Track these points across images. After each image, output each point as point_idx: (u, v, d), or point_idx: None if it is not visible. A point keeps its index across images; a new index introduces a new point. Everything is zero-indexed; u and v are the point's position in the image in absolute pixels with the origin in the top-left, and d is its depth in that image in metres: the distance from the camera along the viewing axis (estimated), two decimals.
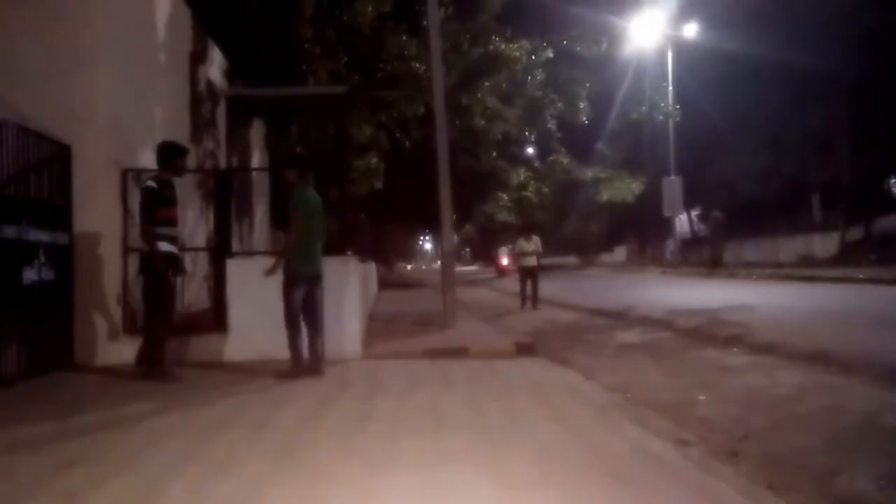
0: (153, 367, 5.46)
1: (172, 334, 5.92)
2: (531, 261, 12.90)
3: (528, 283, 12.68)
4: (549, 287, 10.96)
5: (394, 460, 3.17)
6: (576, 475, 2.92)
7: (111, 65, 6.49)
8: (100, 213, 6.29)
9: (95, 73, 6.30)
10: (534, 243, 12.99)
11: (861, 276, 15.58)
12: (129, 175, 6.60)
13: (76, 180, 6.16)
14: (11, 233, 5.25)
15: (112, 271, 6.38)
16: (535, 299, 12.52)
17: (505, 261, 29.58)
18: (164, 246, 5.51)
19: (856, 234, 25.50)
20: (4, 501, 2.76)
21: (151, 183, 5.52)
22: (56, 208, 5.94)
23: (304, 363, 5.71)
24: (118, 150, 6.54)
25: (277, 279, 6.52)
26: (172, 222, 5.69)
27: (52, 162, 5.89)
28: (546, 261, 11.74)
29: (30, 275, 5.48)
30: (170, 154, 5.75)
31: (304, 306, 5.74)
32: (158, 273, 5.46)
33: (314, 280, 5.83)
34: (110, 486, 2.86)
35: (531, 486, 2.78)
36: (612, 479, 2.86)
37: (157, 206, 5.45)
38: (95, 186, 6.25)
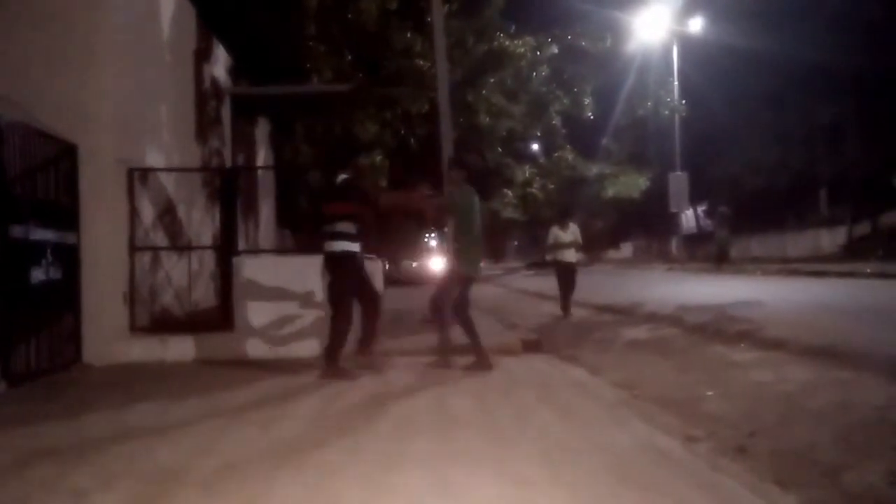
0: (332, 364, 5.45)
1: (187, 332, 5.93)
2: (569, 255, 10.68)
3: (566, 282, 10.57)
4: (554, 284, 10.85)
5: (402, 457, 3.16)
6: (583, 472, 2.91)
7: (117, 64, 6.50)
8: (107, 212, 6.30)
9: (101, 72, 6.31)
10: (572, 233, 10.71)
11: (869, 270, 15.50)
12: (135, 174, 6.62)
13: (83, 179, 6.17)
14: (19, 232, 5.26)
15: (119, 270, 6.40)
16: (566, 303, 10.52)
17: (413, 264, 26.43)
18: (344, 245, 5.53)
19: (863, 228, 25.38)
20: (15, 500, 2.77)
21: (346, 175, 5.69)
22: (63, 207, 5.96)
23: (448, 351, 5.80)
24: (124, 148, 6.55)
25: (283, 278, 6.56)
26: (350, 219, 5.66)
27: (59, 161, 5.90)
28: (551, 257, 10.91)
29: (37, 274, 5.50)
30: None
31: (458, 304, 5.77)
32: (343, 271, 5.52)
33: (473, 281, 5.87)
34: (119, 485, 2.86)
35: (539, 483, 2.78)
36: (620, 475, 2.85)
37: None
38: (102, 185, 6.26)
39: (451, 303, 5.75)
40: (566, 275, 10.49)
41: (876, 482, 2.90)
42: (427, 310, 5.91)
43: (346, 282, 5.54)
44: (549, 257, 10.94)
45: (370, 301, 5.76)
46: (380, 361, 5.79)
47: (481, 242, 5.98)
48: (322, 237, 5.63)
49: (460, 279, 5.75)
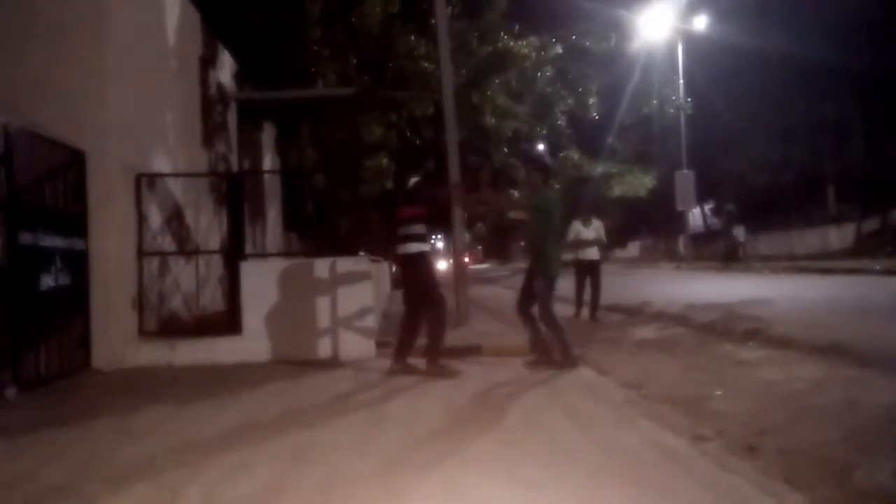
0: (432, 361, 5.57)
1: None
2: (591, 253, 9.94)
3: (587, 282, 9.91)
4: (562, 283, 10.80)
5: (409, 458, 3.17)
6: (592, 471, 2.91)
7: (123, 70, 6.54)
8: (115, 217, 6.33)
9: (108, 79, 6.35)
10: (595, 229, 9.95)
11: (878, 267, 15.43)
12: (142, 179, 6.66)
13: (91, 186, 6.21)
14: (28, 239, 5.31)
15: (128, 276, 6.43)
16: (594, 306, 9.74)
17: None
18: (418, 246, 5.66)
19: (871, 225, 25.24)
20: None
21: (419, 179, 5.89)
22: (71, 214, 6.00)
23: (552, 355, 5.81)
24: (132, 155, 6.59)
25: (290, 281, 6.59)
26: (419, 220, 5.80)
27: (67, 168, 5.94)
28: (572, 256, 10.30)
29: (47, 280, 5.54)
30: None
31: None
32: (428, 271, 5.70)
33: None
34: (128, 490, 2.88)
35: (547, 484, 2.78)
36: (629, 475, 2.85)
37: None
38: (110, 191, 6.30)
39: (544, 303, 5.80)
40: (588, 274, 9.87)
41: (885, 481, 2.89)
42: (522, 323, 6.04)
43: (428, 279, 5.69)
44: (569, 256, 9.88)
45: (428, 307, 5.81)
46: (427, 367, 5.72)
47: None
48: (395, 240, 5.79)
49: (551, 281, 5.82)
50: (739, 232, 28.53)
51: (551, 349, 5.82)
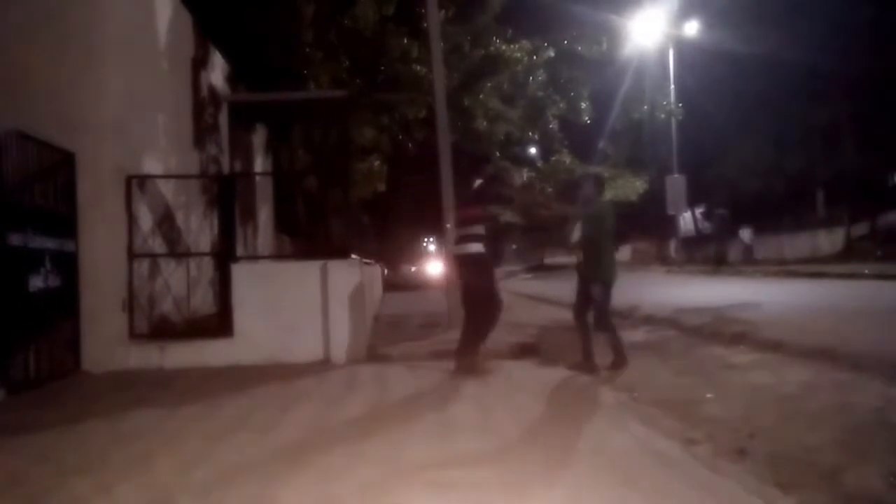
0: (468, 358, 5.67)
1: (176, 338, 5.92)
2: None
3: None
4: (553, 286, 10.88)
5: (401, 461, 3.17)
6: (583, 475, 2.91)
7: (114, 71, 6.51)
8: (105, 219, 6.30)
9: (98, 80, 6.32)
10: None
11: (867, 271, 15.54)
12: (133, 181, 6.62)
13: (81, 187, 6.17)
14: (17, 240, 5.27)
15: (118, 277, 6.39)
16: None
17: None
18: (477, 247, 5.82)
19: (861, 229, 25.42)
20: None
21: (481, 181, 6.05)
22: (61, 215, 5.96)
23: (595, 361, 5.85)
24: (122, 156, 6.56)
25: (281, 284, 6.58)
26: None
27: (57, 169, 5.91)
28: (550, 260, 10.42)
29: (36, 282, 5.50)
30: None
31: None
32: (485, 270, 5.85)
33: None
34: (118, 493, 2.87)
35: (539, 487, 2.78)
36: (620, 478, 2.85)
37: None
38: (100, 193, 6.27)
39: (602, 308, 5.85)
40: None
41: (875, 484, 2.91)
42: (577, 327, 6.11)
43: (487, 279, 5.84)
44: (576, 258, 9.93)
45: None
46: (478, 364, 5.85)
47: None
48: (455, 240, 6.07)
49: (608, 287, 5.90)
50: (746, 234, 28.10)
51: (594, 360, 5.84)
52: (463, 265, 5.96)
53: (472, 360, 5.71)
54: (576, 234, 6.03)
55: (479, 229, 5.83)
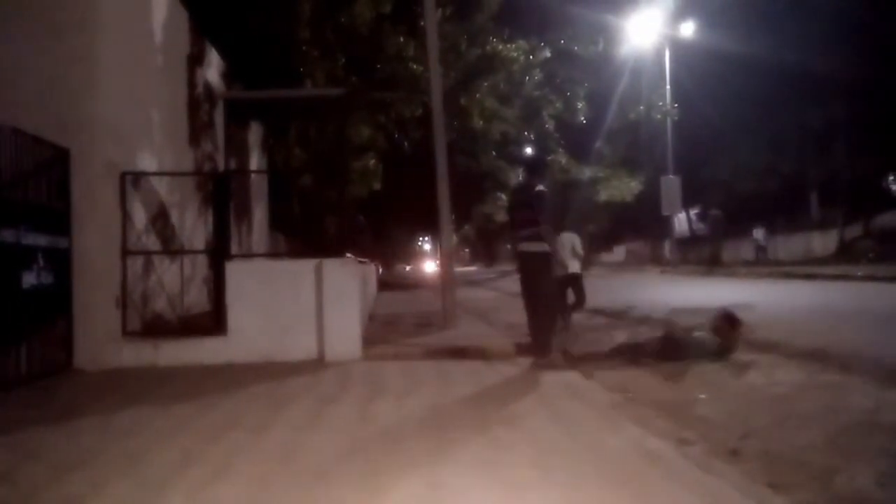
0: (544, 354, 6.05)
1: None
2: (573, 266, 8.89)
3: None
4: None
5: (395, 460, 3.17)
6: (576, 475, 2.92)
7: (109, 68, 6.49)
8: (99, 216, 6.28)
9: (93, 77, 6.30)
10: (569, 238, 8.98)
11: (860, 273, 15.61)
12: (127, 178, 6.60)
13: (75, 184, 6.15)
14: (10, 237, 5.25)
15: (111, 275, 6.37)
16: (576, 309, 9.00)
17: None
18: (537, 246, 6.26)
19: (854, 231, 25.54)
20: None
21: (543, 187, 6.38)
22: (55, 212, 5.93)
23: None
24: (116, 153, 6.54)
25: (276, 282, 6.57)
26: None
27: (51, 166, 5.88)
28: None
29: (29, 279, 5.48)
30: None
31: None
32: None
33: None
34: (110, 490, 2.86)
35: (532, 486, 2.78)
36: (613, 478, 2.86)
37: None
38: (94, 190, 6.25)
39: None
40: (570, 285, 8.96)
41: (866, 485, 2.92)
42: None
43: (550, 276, 6.35)
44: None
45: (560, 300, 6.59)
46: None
47: None
48: (515, 240, 6.58)
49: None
50: (760, 234, 27.93)
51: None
52: (525, 261, 6.39)
53: (551, 356, 6.03)
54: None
55: (535, 230, 6.22)
